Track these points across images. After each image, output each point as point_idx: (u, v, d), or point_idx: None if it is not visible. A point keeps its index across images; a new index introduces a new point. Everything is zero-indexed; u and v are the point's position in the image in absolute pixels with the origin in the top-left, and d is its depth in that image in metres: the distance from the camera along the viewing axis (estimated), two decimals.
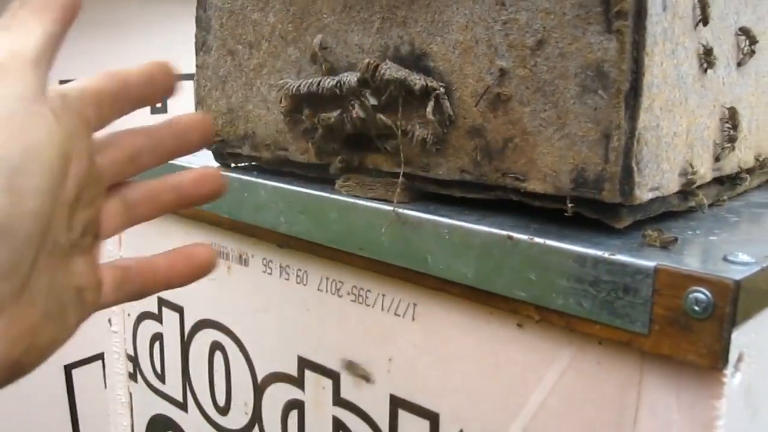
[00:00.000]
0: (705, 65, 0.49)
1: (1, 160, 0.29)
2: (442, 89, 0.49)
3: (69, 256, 0.36)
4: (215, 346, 0.72)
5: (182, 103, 1.56)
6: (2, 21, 0.34)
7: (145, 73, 0.41)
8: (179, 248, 0.44)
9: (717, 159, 0.52)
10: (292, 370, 0.64)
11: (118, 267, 0.41)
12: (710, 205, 0.53)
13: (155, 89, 0.41)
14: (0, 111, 0.30)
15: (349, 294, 0.57)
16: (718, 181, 0.55)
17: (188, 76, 1.65)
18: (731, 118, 0.52)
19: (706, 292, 0.37)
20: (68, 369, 1.52)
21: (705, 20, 0.47)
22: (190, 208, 0.44)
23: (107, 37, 1.52)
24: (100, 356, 1.50)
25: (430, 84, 0.49)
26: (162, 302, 0.79)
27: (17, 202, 0.30)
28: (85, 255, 0.38)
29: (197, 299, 0.73)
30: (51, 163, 0.32)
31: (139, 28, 1.57)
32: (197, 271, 0.44)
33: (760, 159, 0.59)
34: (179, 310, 0.76)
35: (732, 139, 0.53)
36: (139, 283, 0.42)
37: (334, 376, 0.60)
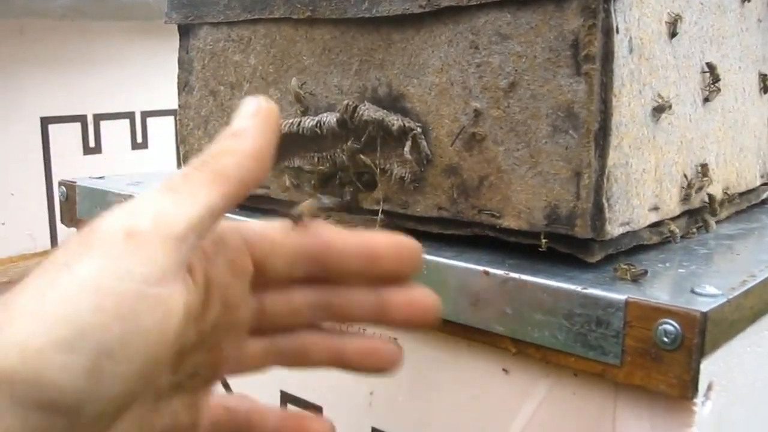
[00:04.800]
0: (660, 112, 0.50)
1: (92, 342, 0.26)
2: (419, 129, 0.51)
3: (167, 398, 0.32)
4: None
5: (163, 140, 1.58)
6: (174, 179, 0.30)
7: (356, 244, 0.36)
8: (296, 414, 0.39)
9: (686, 198, 0.54)
10: (275, 404, 0.64)
11: (224, 408, 0.37)
12: (681, 237, 0.55)
13: (370, 264, 0.36)
14: (115, 289, 0.27)
15: None
16: (688, 213, 0.57)
17: (168, 112, 1.66)
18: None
19: (675, 324, 0.39)
20: None
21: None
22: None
23: (89, 72, 1.53)
24: None
25: (407, 124, 0.51)
26: None
27: (96, 386, 0.26)
28: (187, 396, 0.34)
29: None
30: (151, 352, 0.28)
31: (120, 63, 1.58)
32: None
33: (728, 192, 0.61)
34: None
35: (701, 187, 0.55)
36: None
37: (317, 410, 0.60)
